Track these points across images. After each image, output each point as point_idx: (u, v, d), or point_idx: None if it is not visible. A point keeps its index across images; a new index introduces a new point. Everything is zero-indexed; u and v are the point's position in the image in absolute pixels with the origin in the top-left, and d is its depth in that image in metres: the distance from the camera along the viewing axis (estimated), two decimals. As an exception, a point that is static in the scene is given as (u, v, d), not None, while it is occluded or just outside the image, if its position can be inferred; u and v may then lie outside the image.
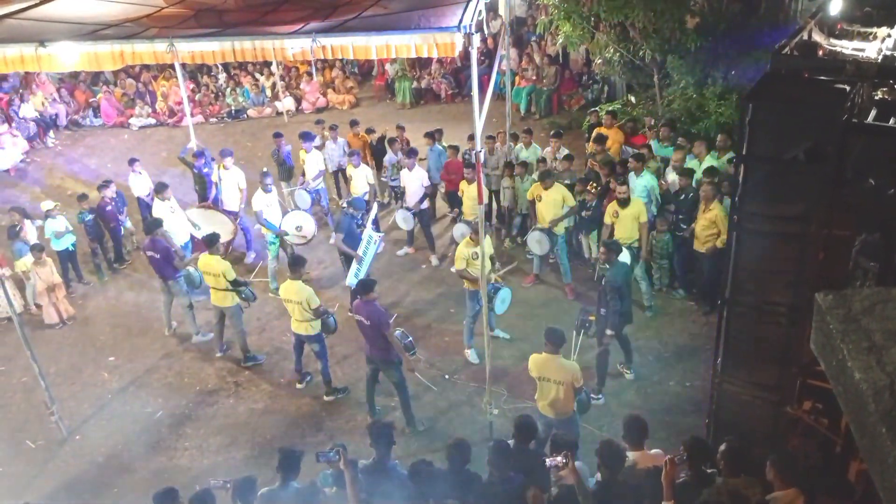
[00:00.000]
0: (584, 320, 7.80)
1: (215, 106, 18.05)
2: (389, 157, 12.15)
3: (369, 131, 12.78)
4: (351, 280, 9.28)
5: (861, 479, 5.15)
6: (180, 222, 10.61)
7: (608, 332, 7.71)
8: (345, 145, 12.45)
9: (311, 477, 5.71)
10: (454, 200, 11.17)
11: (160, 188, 10.67)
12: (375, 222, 10.38)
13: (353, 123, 13.14)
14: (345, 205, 10.15)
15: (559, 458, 4.87)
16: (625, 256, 8.12)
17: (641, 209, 8.92)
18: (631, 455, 5.36)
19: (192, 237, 10.73)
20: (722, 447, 4.96)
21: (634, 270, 8.85)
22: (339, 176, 12.73)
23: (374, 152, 12.50)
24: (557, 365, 6.33)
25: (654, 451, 5.58)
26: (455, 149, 11.50)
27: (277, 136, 12.48)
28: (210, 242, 8.81)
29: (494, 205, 11.64)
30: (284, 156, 12.37)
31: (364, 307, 7.40)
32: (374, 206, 10.73)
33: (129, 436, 8.14)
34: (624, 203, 8.87)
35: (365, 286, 7.54)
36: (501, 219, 11.74)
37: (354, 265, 9.31)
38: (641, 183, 9.51)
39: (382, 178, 12.42)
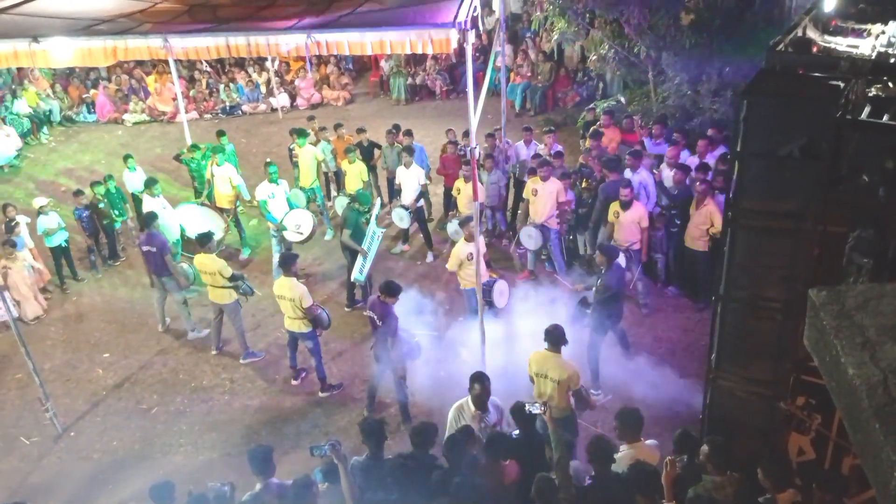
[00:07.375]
0: (582, 309, 7.82)
1: (209, 102, 17.98)
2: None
3: (360, 131, 12.32)
4: (357, 275, 9.24)
5: (854, 474, 5.18)
6: (171, 218, 10.57)
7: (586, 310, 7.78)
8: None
9: (306, 473, 5.69)
10: (450, 200, 11.12)
11: (150, 183, 10.65)
12: (376, 217, 10.35)
13: (338, 126, 12.54)
14: (348, 200, 10.07)
15: (538, 404, 5.42)
16: (621, 259, 8.10)
17: (643, 214, 8.88)
18: (626, 448, 5.38)
19: (182, 234, 10.70)
20: (705, 446, 4.96)
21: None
22: (331, 173, 12.63)
23: (363, 153, 11.97)
24: (557, 363, 6.30)
25: (649, 441, 5.60)
26: (455, 144, 11.47)
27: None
28: (203, 241, 8.73)
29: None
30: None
31: (381, 307, 7.38)
32: (377, 202, 10.65)
33: (123, 432, 8.13)
34: (626, 205, 8.86)
35: (390, 288, 7.46)
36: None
37: (360, 260, 9.28)
38: (636, 180, 9.51)
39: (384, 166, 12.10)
